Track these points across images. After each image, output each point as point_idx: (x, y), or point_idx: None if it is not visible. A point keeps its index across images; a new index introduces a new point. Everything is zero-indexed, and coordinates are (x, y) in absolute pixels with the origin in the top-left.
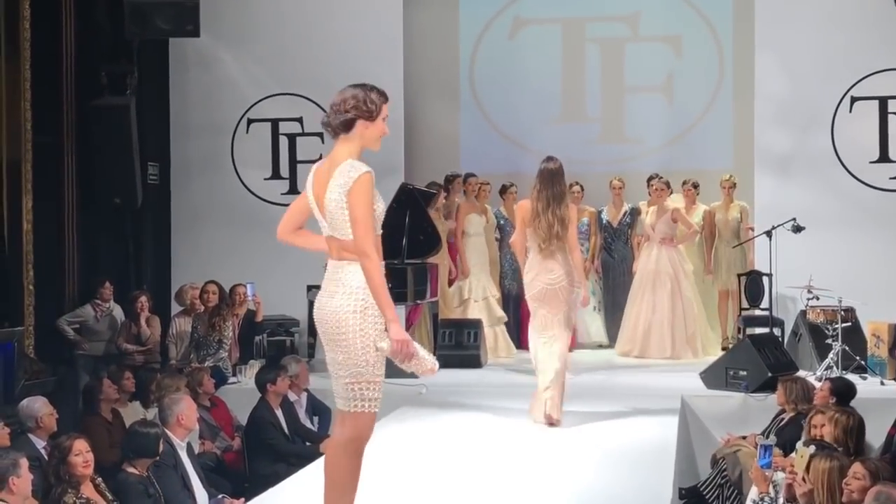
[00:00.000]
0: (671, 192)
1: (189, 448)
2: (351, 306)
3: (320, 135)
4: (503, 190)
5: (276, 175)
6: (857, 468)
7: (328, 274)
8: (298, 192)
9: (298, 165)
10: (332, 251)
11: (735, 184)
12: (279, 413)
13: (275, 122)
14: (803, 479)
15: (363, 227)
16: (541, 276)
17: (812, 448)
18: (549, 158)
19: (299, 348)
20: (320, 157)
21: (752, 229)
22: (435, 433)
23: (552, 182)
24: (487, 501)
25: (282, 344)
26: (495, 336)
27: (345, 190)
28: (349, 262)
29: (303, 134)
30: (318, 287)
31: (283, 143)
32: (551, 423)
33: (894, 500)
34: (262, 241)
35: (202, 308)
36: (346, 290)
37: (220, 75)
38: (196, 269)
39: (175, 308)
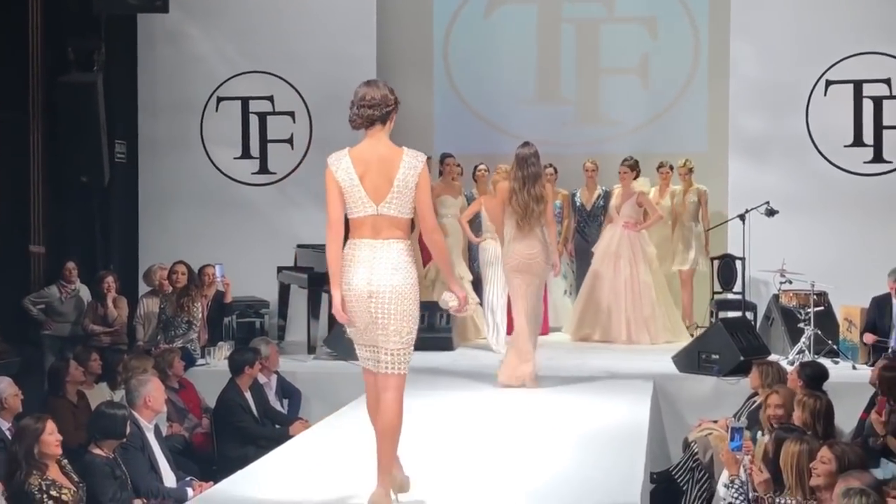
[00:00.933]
0: (636, 176)
1: (156, 430)
2: (410, 282)
3: (291, 114)
4: (475, 171)
5: (246, 154)
6: (824, 452)
7: (368, 250)
8: (269, 172)
9: (269, 144)
10: (372, 230)
11: (691, 168)
12: (248, 395)
13: (245, 101)
14: (759, 469)
15: (431, 207)
16: (518, 251)
17: (766, 437)
18: (525, 144)
19: (269, 330)
20: (291, 137)
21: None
22: (406, 416)
23: (527, 164)
24: (457, 484)
25: (251, 325)
26: (465, 319)
27: (416, 173)
28: (397, 240)
29: (273, 113)
30: (288, 268)
31: (254, 121)
32: (519, 384)
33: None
34: (231, 221)
35: (170, 289)
36: (405, 268)
37: (190, 52)
38: (164, 250)
39: (143, 288)
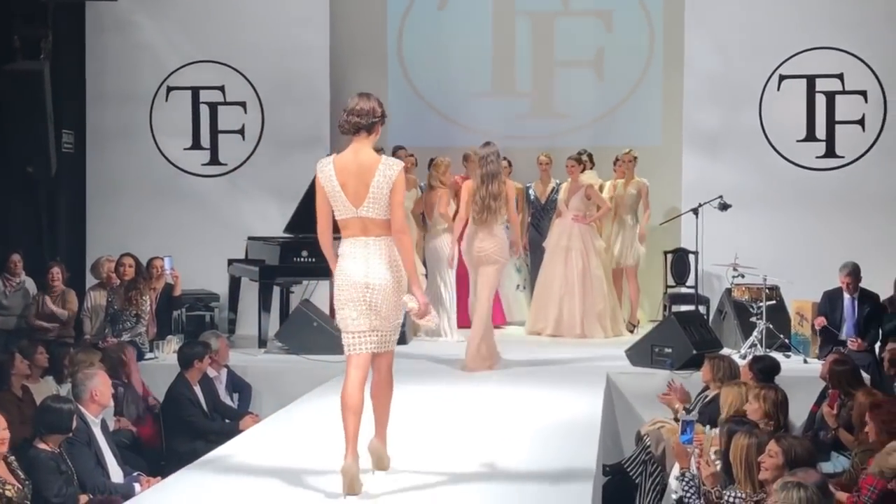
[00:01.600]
0: (584, 169)
1: (103, 425)
2: (398, 275)
3: (243, 104)
4: (430, 164)
5: (196, 145)
6: (771, 446)
7: (361, 247)
8: (220, 163)
9: (220, 135)
10: (361, 229)
11: (635, 157)
12: (198, 389)
13: (195, 91)
14: (707, 463)
15: (402, 210)
16: (473, 245)
17: (714, 431)
18: (486, 143)
19: (219, 324)
20: (242, 127)
21: (685, 212)
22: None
23: (486, 162)
24: (409, 479)
25: (201, 319)
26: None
27: (390, 180)
28: (385, 237)
29: (224, 103)
30: (238, 260)
31: (204, 112)
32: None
33: (798, 482)
34: (181, 213)
35: (118, 281)
36: (396, 263)
37: (139, 40)
38: (112, 242)
39: (90, 281)
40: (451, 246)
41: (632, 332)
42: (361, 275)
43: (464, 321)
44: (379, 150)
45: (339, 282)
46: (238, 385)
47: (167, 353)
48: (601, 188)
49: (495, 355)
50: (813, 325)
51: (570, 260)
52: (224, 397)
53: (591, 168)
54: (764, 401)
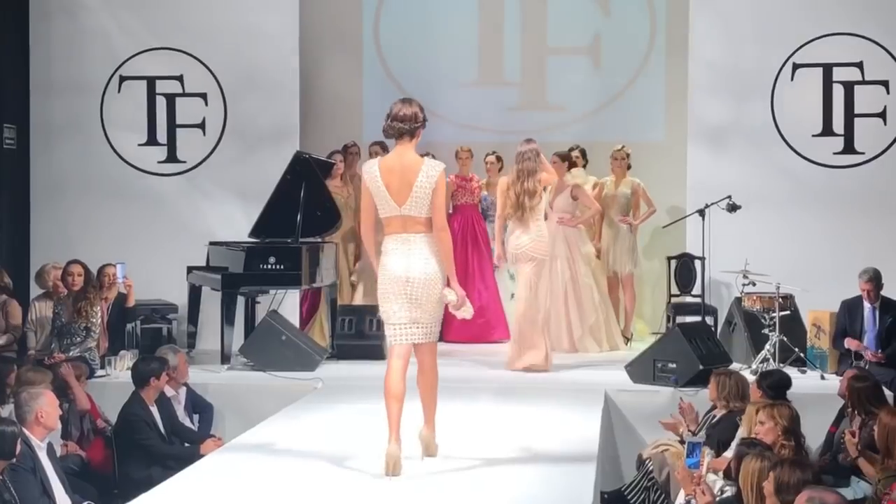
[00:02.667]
0: (570, 167)
1: (50, 449)
2: (439, 269)
3: (203, 95)
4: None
5: (152, 141)
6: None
7: (402, 244)
8: (178, 160)
9: (178, 130)
10: (402, 226)
11: (628, 154)
12: (154, 410)
13: (151, 81)
14: (703, 491)
15: (444, 209)
16: (511, 241)
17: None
18: (526, 140)
19: (178, 337)
20: (203, 121)
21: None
22: (332, 430)
23: (523, 159)
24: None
25: (158, 332)
26: None
27: (433, 181)
28: (425, 234)
29: (183, 94)
30: (199, 268)
31: (161, 104)
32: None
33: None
34: (135, 216)
35: (65, 291)
36: (434, 257)
37: (88, 26)
38: (59, 247)
39: (35, 290)
40: (496, 244)
41: (626, 345)
42: (402, 269)
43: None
44: (352, 146)
45: (382, 276)
46: (198, 405)
47: (120, 370)
48: (596, 187)
49: (540, 357)
50: (834, 340)
51: (556, 268)
52: (183, 418)
53: (583, 165)
54: (779, 417)
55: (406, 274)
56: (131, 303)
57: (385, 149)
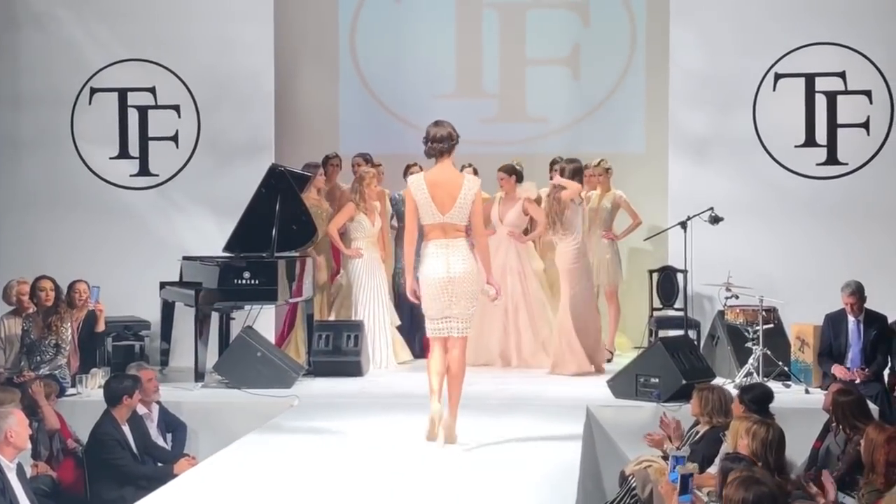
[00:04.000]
0: (518, 180)
1: (19, 470)
2: (475, 269)
3: (176, 107)
4: (406, 170)
5: (123, 154)
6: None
7: (443, 248)
8: (150, 174)
9: (150, 143)
10: (443, 232)
11: (608, 169)
12: (126, 429)
13: (122, 92)
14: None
15: (481, 218)
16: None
17: (695, 467)
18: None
19: (150, 354)
20: (176, 134)
21: (672, 226)
22: (307, 451)
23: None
24: None
25: (130, 350)
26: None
27: (472, 193)
28: (462, 238)
29: (155, 106)
30: (172, 283)
31: (133, 116)
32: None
33: None
34: (106, 231)
35: (33, 307)
36: (470, 259)
37: (58, 36)
38: (27, 262)
39: (2, 308)
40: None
41: (609, 360)
42: (444, 270)
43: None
44: (333, 157)
45: (424, 277)
46: (171, 423)
47: (92, 388)
48: (539, 200)
49: (582, 361)
50: (818, 355)
51: (506, 283)
52: (156, 437)
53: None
54: (753, 438)
55: (447, 274)
56: (101, 327)
57: (368, 160)
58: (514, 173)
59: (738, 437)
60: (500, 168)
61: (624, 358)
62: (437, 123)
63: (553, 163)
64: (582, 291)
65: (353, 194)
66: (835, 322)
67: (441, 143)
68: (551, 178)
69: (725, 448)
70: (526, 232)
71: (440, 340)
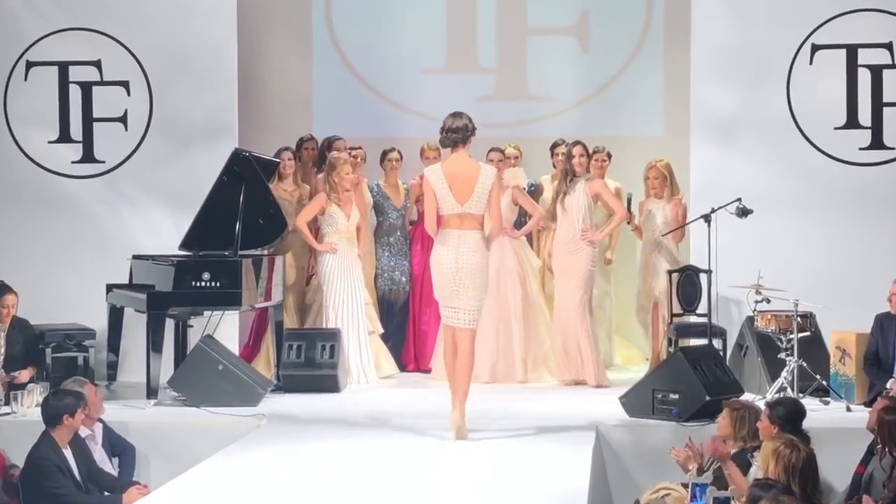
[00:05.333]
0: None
1: None
2: (485, 261)
3: (125, 84)
4: (383, 157)
5: (64, 137)
6: None
7: (459, 238)
8: (95, 160)
9: (95, 124)
10: (459, 223)
11: (609, 156)
12: (68, 453)
13: (63, 66)
14: None
15: (500, 206)
16: None
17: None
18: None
19: (95, 368)
20: (125, 114)
21: (694, 220)
22: (274, 478)
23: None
24: None
25: (72, 362)
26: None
27: (489, 184)
28: (476, 230)
29: (101, 83)
30: (120, 286)
31: (75, 94)
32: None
33: None
34: (45, 226)
35: None
36: (482, 251)
37: None
38: None
39: None
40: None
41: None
42: (452, 260)
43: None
44: (308, 140)
45: (434, 263)
46: (118, 446)
47: (28, 407)
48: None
49: (593, 371)
50: (865, 362)
51: (503, 286)
52: (102, 462)
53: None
54: (777, 461)
55: (455, 264)
56: (24, 379)
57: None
58: (508, 157)
59: (767, 460)
60: (493, 149)
61: (638, 371)
62: (454, 114)
63: (555, 146)
64: (590, 298)
65: (324, 184)
66: (885, 323)
67: (456, 134)
68: (554, 166)
69: (754, 472)
70: (518, 226)
71: (450, 331)
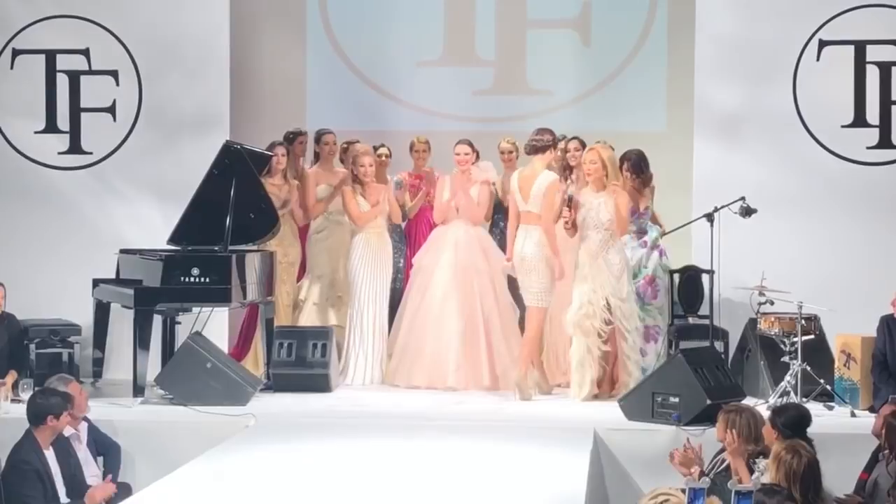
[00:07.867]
0: (477, 158)
1: None
2: (542, 251)
3: (113, 73)
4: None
5: (51, 128)
6: None
7: (522, 231)
8: (83, 151)
9: (83, 115)
10: (526, 219)
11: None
12: (50, 454)
13: (51, 55)
14: None
15: (552, 209)
16: None
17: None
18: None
19: (81, 364)
20: (114, 104)
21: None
22: (262, 480)
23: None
24: None
25: (56, 358)
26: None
27: (543, 188)
28: (532, 226)
29: (90, 72)
30: (107, 280)
31: (62, 83)
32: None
33: None
34: (30, 219)
35: None
36: (543, 243)
37: None
38: None
39: None
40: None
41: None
42: (518, 249)
43: None
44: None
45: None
46: (103, 444)
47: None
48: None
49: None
50: (873, 366)
51: (472, 287)
52: (86, 462)
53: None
54: (778, 467)
55: (520, 253)
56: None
57: (334, 139)
58: (475, 150)
59: (771, 466)
60: (460, 141)
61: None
62: (538, 131)
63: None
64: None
65: (353, 184)
66: (890, 326)
67: (536, 143)
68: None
69: (756, 478)
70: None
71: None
